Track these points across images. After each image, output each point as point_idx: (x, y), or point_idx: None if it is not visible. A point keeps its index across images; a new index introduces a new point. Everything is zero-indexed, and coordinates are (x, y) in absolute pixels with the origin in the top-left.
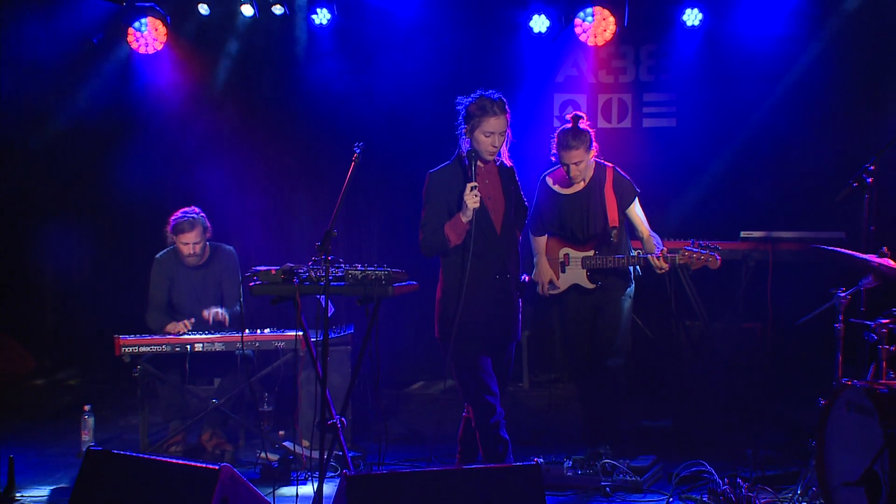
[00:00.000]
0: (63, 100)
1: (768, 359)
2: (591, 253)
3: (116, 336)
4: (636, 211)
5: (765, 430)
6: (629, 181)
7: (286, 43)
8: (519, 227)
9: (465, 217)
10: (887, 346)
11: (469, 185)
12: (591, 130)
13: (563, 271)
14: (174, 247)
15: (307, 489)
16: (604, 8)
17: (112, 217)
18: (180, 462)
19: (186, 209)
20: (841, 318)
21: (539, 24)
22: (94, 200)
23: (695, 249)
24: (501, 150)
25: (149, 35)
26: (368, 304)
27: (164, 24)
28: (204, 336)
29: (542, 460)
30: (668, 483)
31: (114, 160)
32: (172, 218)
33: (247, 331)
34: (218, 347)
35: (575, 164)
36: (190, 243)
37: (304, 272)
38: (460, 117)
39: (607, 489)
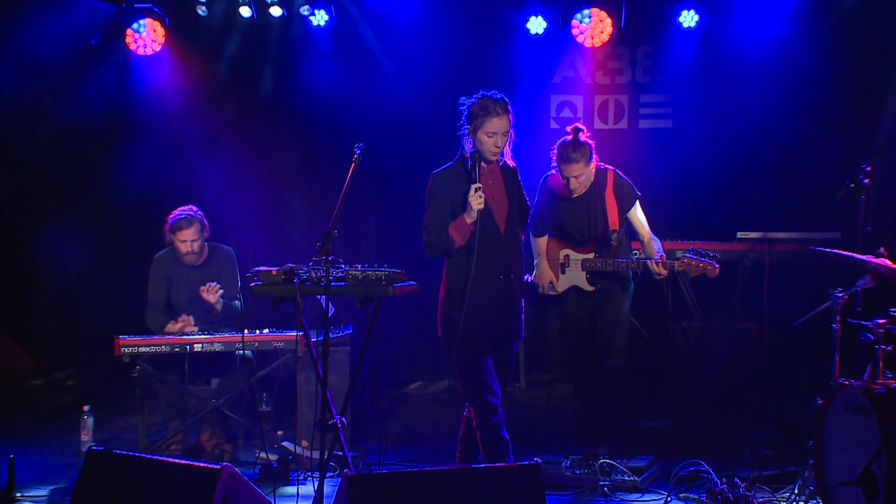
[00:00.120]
0: (61, 100)
1: (765, 359)
2: (591, 256)
3: (116, 336)
4: (637, 214)
5: (762, 430)
6: (630, 185)
7: (284, 44)
8: (521, 226)
9: (470, 218)
10: (884, 346)
11: (473, 187)
12: (591, 142)
13: (563, 272)
14: (172, 247)
15: (307, 489)
16: (601, 9)
17: (110, 217)
18: (181, 462)
19: (184, 207)
20: (838, 318)
21: (536, 25)
22: (92, 200)
23: (694, 256)
24: (504, 150)
25: (147, 36)
26: (368, 305)
27: (163, 25)
28: (203, 336)
29: (540, 460)
30: (665, 482)
31: (112, 160)
32: (170, 217)
33: (245, 331)
34: (217, 347)
35: (575, 177)
36: (188, 241)
37: (305, 272)
38: (463, 118)
39: (605, 489)
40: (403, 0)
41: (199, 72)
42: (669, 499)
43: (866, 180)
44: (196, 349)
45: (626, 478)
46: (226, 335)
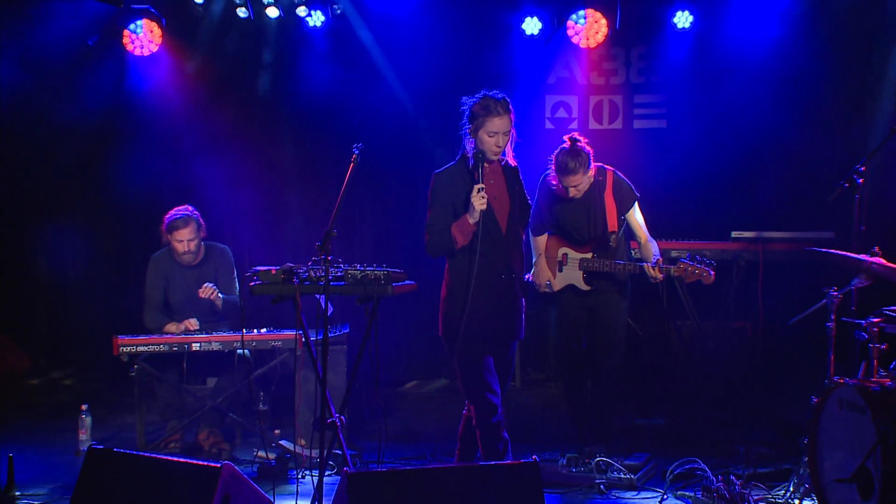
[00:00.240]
0: (59, 100)
1: (759, 357)
2: (589, 255)
3: (115, 335)
4: (635, 216)
5: (756, 428)
6: (629, 186)
7: (281, 45)
8: (523, 226)
9: (472, 219)
10: (878, 345)
11: (476, 187)
12: (589, 149)
13: (560, 270)
14: (169, 247)
15: (305, 487)
16: (596, 10)
17: (107, 217)
18: (182, 460)
19: (180, 207)
20: (833, 317)
21: (531, 26)
22: (89, 200)
23: (691, 262)
24: (506, 149)
25: (144, 37)
26: (367, 304)
27: (160, 26)
28: (201, 336)
29: (539, 458)
30: (661, 480)
31: (109, 160)
32: (166, 217)
33: (244, 330)
34: (215, 347)
35: (574, 186)
36: (184, 240)
37: (304, 272)
38: (464, 117)
39: (601, 486)
40: (399, 2)
41: (197, 72)
42: (665, 496)
43: (860, 180)
44: (194, 348)
45: (623, 476)
46: (224, 334)
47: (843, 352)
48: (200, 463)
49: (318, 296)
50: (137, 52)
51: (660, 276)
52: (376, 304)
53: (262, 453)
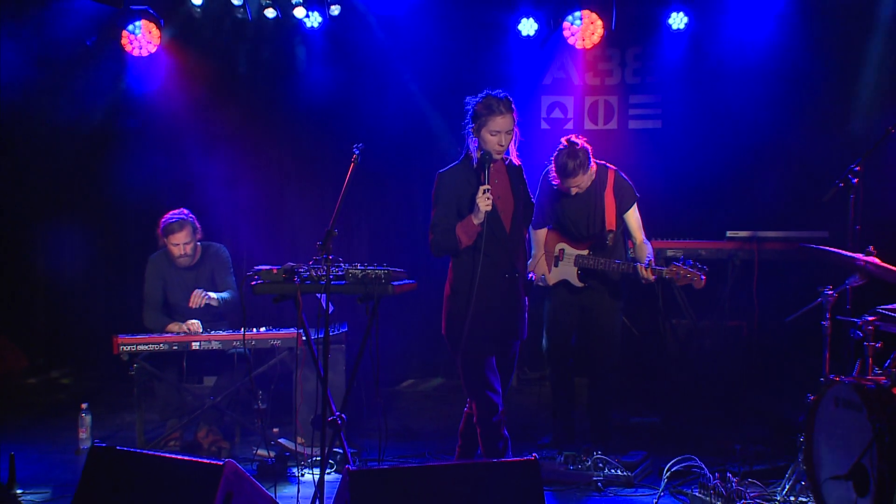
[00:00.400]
0: (58, 101)
1: (754, 356)
2: (585, 252)
3: (114, 335)
4: (634, 216)
5: (751, 426)
6: (630, 186)
7: (278, 46)
8: (527, 224)
9: (477, 219)
10: (873, 343)
11: (482, 189)
12: (588, 147)
13: (556, 265)
14: (166, 249)
15: (305, 485)
16: (592, 11)
17: (106, 217)
18: (184, 458)
19: (175, 211)
20: (828, 315)
21: (527, 27)
22: (87, 200)
23: (683, 266)
24: (510, 148)
25: (143, 38)
26: (368, 303)
27: (158, 26)
28: (201, 335)
29: (538, 455)
30: (658, 478)
31: (107, 160)
32: (162, 220)
33: (243, 329)
34: (215, 346)
35: (576, 186)
36: (180, 244)
37: (305, 271)
38: (467, 116)
39: (599, 484)
40: (396, 3)
41: (195, 73)
42: (663, 494)
43: (855, 180)
44: (194, 347)
45: (620, 473)
46: (223, 333)
47: (838, 350)
48: (203, 461)
49: (318, 295)
50: (136, 52)
51: (651, 277)
52: (377, 303)
53: (261, 451)
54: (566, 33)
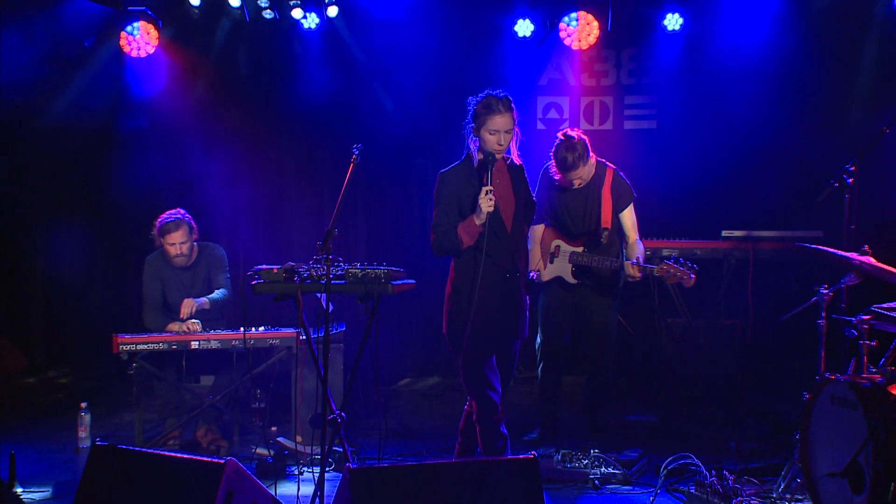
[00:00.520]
0: (56, 101)
1: (748, 355)
2: (580, 249)
3: (114, 334)
4: (628, 215)
5: (747, 424)
6: (628, 186)
7: (276, 47)
8: (528, 223)
9: (479, 220)
10: (868, 342)
11: (484, 189)
12: (585, 138)
13: (551, 262)
14: (162, 249)
15: (304, 483)
16: (588, 12)
17: (105, 216)
18: (186, 456)
19: (171, 211)
20: (823, 314)
21: (524, 28)
22: (86, 200)
23: (673, 264)
24: (511, 148)
25: (141, 38)
26: (368, 302)
27: (156, 27)
28: (200, 334)
29: (537, 453)
30: (654, 476)
31: (106, 161)
32: (158, 221)
33: (241, 329)
34: (214, 345)
35: (579, 178)
36: (176, 243)
37: (306, 270)
38: (468, 116)
39: (596, 482)
40: (393, 3)
41: (193, 74)
42: (659, 491)
43: (850, 180)
44: (193, 346)
45: (617, 471)
46: (223, 333)
47: (833, 349)
48: (204, 459)
49: (318, 294)
50: (134, 53)
51: (637, 274)
52: (376, 302)
53: (260, 450)
54: (562, 34)
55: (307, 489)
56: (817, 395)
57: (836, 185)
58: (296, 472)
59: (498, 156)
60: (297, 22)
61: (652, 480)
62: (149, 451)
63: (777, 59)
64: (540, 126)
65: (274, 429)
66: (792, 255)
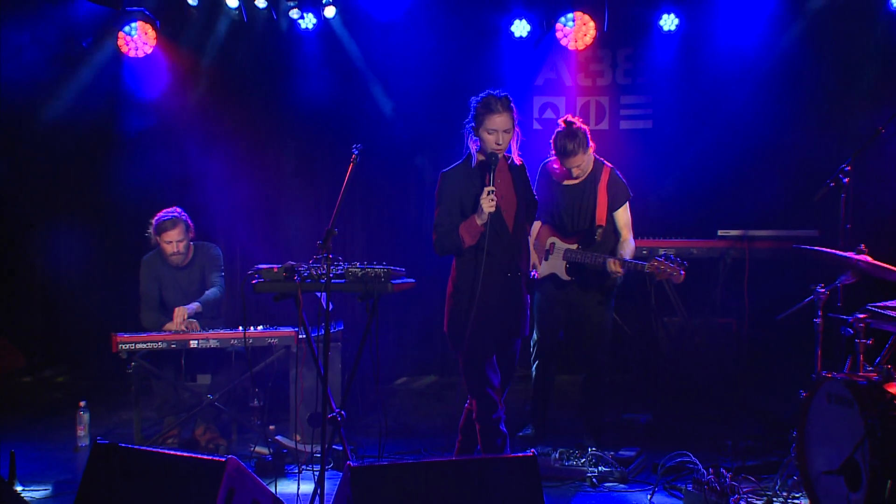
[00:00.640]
0: (54, 101)
1: (744, 353)
2: (574, 246)
3: (113, 333)
4: (623, 214)
5: (743, 422)
6: (624, 185)
7: (273, 47)
8: (529, 222)
9: (481, 220)
10: (864, 340)
11: (486, 190)
12: (585, 128)
13: (546, 259)
14: (159, 248)
15: (303, 482)
16: (584, 13)
17: (103, 216)
18: (187, 455)
19: (168, 209)
20: (820, 313)
21: (520, 28)
22: (84, 199)
23: (663, 261)
24: (512, 147)
25: (139, 39)
26: (368, 301)
27: (154, 28)
28: (199, 333)
29: (536, 451)
30: (652, 473)
31: (104, 160)
32: (155, 219)
33: (240, 328)
34: (213, 344)
35: (577, 166)
36: (173, 241)
37: (306, 270)
38: (469, 115)
39: (594, 479)
40: (389, 5)
41: (191, 74)
42: (657, 489)
43: (846, 179)
44: (192, 346)
45: (614, 469)
46: (221, 332)
47: (829, 347)
48: (206, 457)
49: (318, 294)
50: (132, 53)
51: (619, 270)
52: (376, 301)
53: (259, 449)
54: (559, 34)
55: (307, 487)
56: (814, 393)
57: (832, 184)
58: (295, 471)
59: (499, 155)
60: (294, 22)
61: (649, 478)
62: (150, 449)
63: (772, 59)
64: (536, 126)
65: (272, 427)
66: (788, 254)
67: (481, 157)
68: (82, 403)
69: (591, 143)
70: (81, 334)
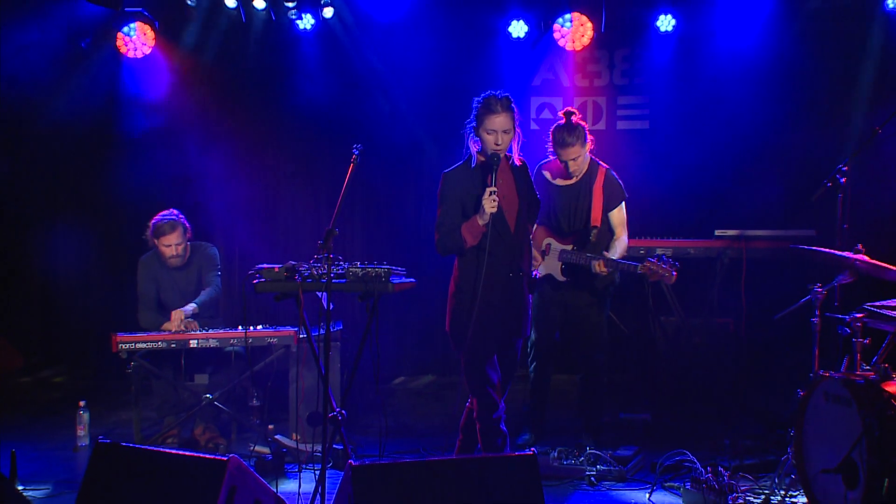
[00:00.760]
0: (53, 102)
1: (741, 352)
2: (569, 247)
3: (113, 333)
4: (618, 214)
5: (740, 422)
6: (619, 185)
7: (271, 47)
8: (532, 222)
9: (482, 220)
10: (861, 339)
11: (488, 190)
12: (584, 124)
13: (543, 259)
14: (156, 249)
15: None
16: (582, 14)
17: (101, 216)
18: (189, 454)
19: (165, 212)
20: (817, 312)
21: (518, 29)
22: (82, 199)
23: (656, 262)
24: (512, 148)
25: (137, 39)
26: (368, 300)
27: (153, 28)
28: (199, 333)
29: (536, 450)
30: (650, 472)
31: (102, 160)
32: (152, 222)
33: (240, 327)
34: (212, 344)
35: (573, 159)
36: (172, 245)
37: (307, 269)
38: (471, 116)
39: (592, 478)
40: (387, 5)
41: (190, 74)
42: (655, 488)
43: (843, 179)
44: (192, 345)
45: (612, 468)
46: (220, 331)
47: (826, 346)
48: (207, 456)
49: (319, 294)
50: (131, 54)
51: (604, 270)
52: (377, 300)
53: (259, 448)
54: (556, 35)
55: (307, 486)
56: (812, 392)
57: (830, 184)
58: (295, 470)
59: (500, 155)
60: (292, 23)
61: (647, 477)
62: (152, 448)
63: (769, 59)
64: (533, 126)
65: (271, 427)
66: (785, 254)
67: (481, 158)
68: (82, 403)
69: (589, 138)
70: (81, 334)
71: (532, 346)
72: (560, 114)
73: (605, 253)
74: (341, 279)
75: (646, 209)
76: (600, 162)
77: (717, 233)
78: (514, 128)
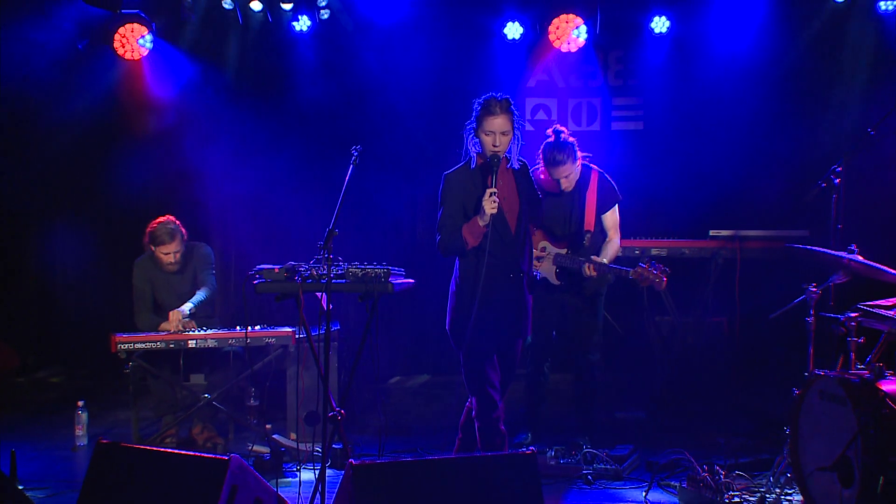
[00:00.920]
0: (50, 103)
1: (735, 351)
2: (563, 251)
3: (112, 333)
4: (611, 216)
5: (735, 420)
6: (613, 188)
7: (268, 48)
8: (533, 221)
9: (483, 221)
10: (856, 339)
11: (488, 192)
12: (573, 140)
13: (539, 261)
14: (152, 254)
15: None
16: (577, 15)
17: (98, 217)
18: (189, 453)
19: (162, 219)
20: (812, 312)
21: (512, 30)
22: (80, 199)
23: (647, 268)
24: (512, 149)
25: (135, 40)
26: (367, 301)
27: (150, 30)
28: (197, 333)
29: (535, 449)
30: (646, 471)
31: (100, 161)
32: (149, 230)
33: (238, 327)
34: (211, 344)
35: (564, 177)
36: (171, 253)
37: (306, 270)
38: (472, 117)
39: (589, 477)
40: (383, 8)
41: (187, 75)
42: (652, 486)
43: (837, 180)
44: (190, 345)
45: (609, 466)
46: (219, 332)
47: (821, 346)
48: (209, 456)
49: (318, 294)
50: (128, 56)
51: (593, 273)
52: (376, 300)
53: (257, 447)
54: (551, 37)
55: (306, 486)
56: (807, 391)
57: (824, 185)
58: (293, 469)
59: (500, 156)
60: (289, 24)
61: (643, 476)
62: (152, 447)
63: (763, 61)
64: (528, 127)
65: (269, 426)
66: (779, 253)
67: (481, 160)
68: (80, 403)
69: (578, 157)
70: (79, 334)
71: (528, 348)
72: (548, 132)
73: (594, 258)
74: (341, 279)
75: (640, 210)
76: (592, 166)
77: (711, 233)
78: (514, 130)
